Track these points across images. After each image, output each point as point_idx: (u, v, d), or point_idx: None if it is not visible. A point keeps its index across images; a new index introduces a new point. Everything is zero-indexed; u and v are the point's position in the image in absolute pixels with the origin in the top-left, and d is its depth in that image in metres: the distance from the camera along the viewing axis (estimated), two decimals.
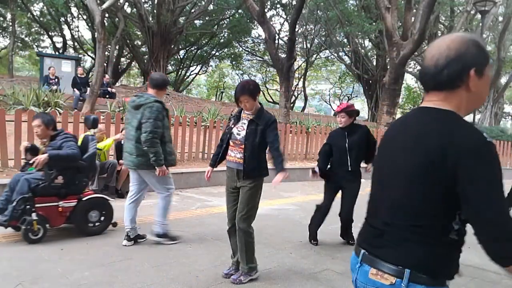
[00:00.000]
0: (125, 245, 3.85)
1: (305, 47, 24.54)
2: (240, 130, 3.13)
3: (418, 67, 25.45)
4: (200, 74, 33.55)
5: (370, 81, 23.57)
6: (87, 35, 26.92)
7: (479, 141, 1.11)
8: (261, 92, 3.21)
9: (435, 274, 1.19)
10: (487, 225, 1.11)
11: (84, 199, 4.10)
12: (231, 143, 3.19)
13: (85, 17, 22.49)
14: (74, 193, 4.04)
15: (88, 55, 27.40)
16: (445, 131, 1.15)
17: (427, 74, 1.24)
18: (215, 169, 3.38)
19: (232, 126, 3.20)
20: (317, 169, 4.33)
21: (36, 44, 26.68)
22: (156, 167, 3.66)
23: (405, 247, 1.20)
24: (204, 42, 25.54)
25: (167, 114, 3.83)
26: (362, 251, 1.30)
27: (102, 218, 4.24)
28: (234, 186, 3.20)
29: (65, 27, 24.27)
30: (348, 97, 33.13)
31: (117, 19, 18.95)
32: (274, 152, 3.13)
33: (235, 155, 3.16)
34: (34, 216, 3.70)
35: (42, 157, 3.72)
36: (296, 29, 15.50)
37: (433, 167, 1.14)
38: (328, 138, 4.51)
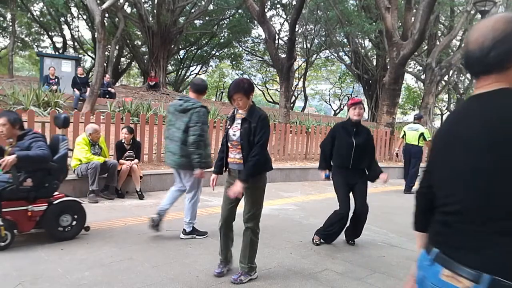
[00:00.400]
0: (181, 238, 4.20)
1: (305, 47, 24.55)
2: (235, 131, 3.12)
3: (418, 67, 25.46)
4: (200, 74, 33.56)
5: (370, 81, 23.56)
6: (87, 35, 26.99)
7: None
8: (255, 92, 3.20)
9: None
10: None
11: (54, 202, 3.87)
12: (229, 144, 3.18)
13: (85, 17, 22.50)
14: (44, 196, 3.81)
15: (88, 55, 27.42)
16: None
17: (472, 58, 1.19)
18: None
19: (228, 127, 3.19)
20: (328, 173, 4.27)
21: (36, 44, 26.69)
22: (197, 168, 3.90)
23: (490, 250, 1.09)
24: (204, 42, 25.56)
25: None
26: (435, 249, 1.21)
27: (74, 223, 3.99)
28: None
29: (65, 27, 24.29)
30: (348, 97, 33.11)
31: (117, 19, 18.96)
32: (253, 151, 3.02)
33: (234, 156, 3.16)
34: (0, 221, 3.47)
35: (9, 158, 3.43)
36: (296, 29, 15.50)
37: None
38: (333, 131, 4.32)
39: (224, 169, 3.32)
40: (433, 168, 1.32)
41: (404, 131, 8.67)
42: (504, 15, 1.17)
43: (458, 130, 1.21)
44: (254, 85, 3.19)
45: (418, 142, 8.37)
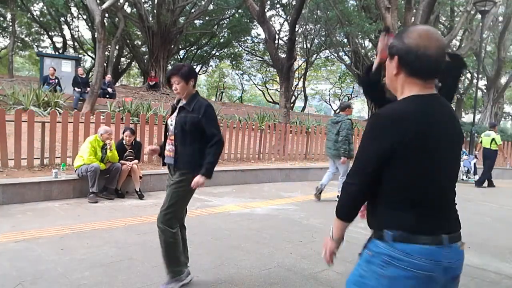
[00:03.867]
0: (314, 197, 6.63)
1: (305, 47, 24.54)
2: (172, 120, 2.87)
3: None
4: (200, 74, 33.55)
5: None
6: (87, 35, 26.96)
7: None
8: (197, 79, 2.92)
9: None
10: None
11: None
12: (168, 136, 2.93)
13: (85, 17, 22.49)
14: None
15: (88, 55, 27.42)
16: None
17: (436, 64, 1.35)
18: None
19: (168, 116, 2.96)
20: None
21: (36, 44, 26.68)
22: (343, 157, 6.33)
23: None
24: (204, 42, 25.56)
25: (352, 126, 6.68)
26: (445, 236, 1.32)
27: None
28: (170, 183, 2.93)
29: (65, 27, 24.28)
30: (348, 97, 33.11)
31: (117, 19, 18.96)
32: (208, 149, 2.80)
33: (168, 148, 2.90)
34: None
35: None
36: (296, 29, 15.49)
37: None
38: None
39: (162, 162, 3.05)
40: (399, 163, 1.33)
41: (481, 137, 10.89)
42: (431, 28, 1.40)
43: (440, 128, 1.34)
44: (196, 74, 2.91)
45: (491, 146, 10.47)
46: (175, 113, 2.86)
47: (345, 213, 1.45)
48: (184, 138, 2.77)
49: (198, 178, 2.76)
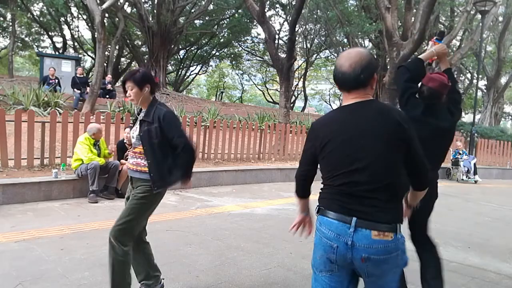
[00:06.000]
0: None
1: (305, 47, 24.55)
2: (133, 132, 2.66)
3: None
4: (200, 74, 33.56)
5: None
6: (87, 35, 26.95)
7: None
8: (155, 85, 2.66)
9: None
10: None
11: None
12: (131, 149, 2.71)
13: (85, 17, 22.49)
14: None
15: (88, 55, 27.41)
16: (393, 111, 1.67)
17: (347, 78, 1.67)
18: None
19: (131, 126, 2.76)
20: None
21: (36, 44, 26.65)
22: None
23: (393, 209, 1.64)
24: (204, 42, 25.56)
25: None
26: (353, 218, 1.60)
27: None
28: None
29: (65, 27, 24.27)
30: None
31: (117, 19, 18.95)
32: (179, 155, 2.57)
33: (133, 162, 2.64)
34: None
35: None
36: (296, 29, 15.50)
37: (394, 135, 1.63)
38: None
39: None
40: (330, 155, 1.71)
41: None
42: (364, 51, 1.72)
43: (364, 128, 1.64)
44: (152, 79, 2.65)
45: None
46: (137, 126, 2.63)
47: (296, 191, 2.06)
48: (155, 154, 2.54)
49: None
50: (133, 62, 27.22)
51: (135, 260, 2.71)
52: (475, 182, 11.37)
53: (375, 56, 24.31)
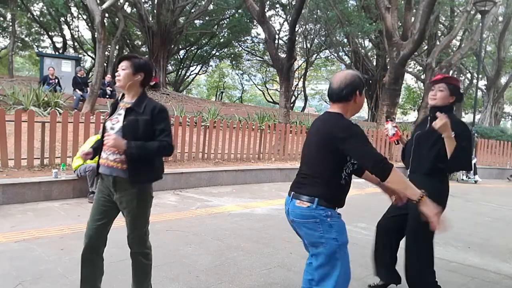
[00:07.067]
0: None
1: (305, 47, 24.57)
2: (114, 123, 2.36)
3: (419, 67, 25.45)
4: (200, 74, 33.58)
5: (370, 81, 23.57)
6: (87, 35, 26.97)
7: (347, 127, 2.04)
8: (149, 80, 2.45)
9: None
10: None
11: None
12: (104, 141, 2.33)
13: (85, 17, 22.51)
14: None
15: (88, 55, 27.43)
16: (332, 123, 2.06)
17: (334, 92, 2.09)
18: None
19: (107, 118, 2.48)
20: None
21: (36, 44, 26.68)
22: None
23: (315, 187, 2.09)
24: (204, 42, 25.57)
25: None
26: (292, 192, 2.15)
27: None
28: (108, 197, 2.44)
29: (65, 27, 24.29)
30: None
31: (117, 19, 18.97)
32: (158, 152, 2.36)
33: (107, 156, 2.35)
34: None
35: None
36: (296, 29, 15.50)
37: (326, 142, 2.05)
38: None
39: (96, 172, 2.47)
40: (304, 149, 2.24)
41: None
42: (352, 72, 2.13)
43: (311, 132, 2.20)
44: (149, 72, 2.42)
45: None
46: (120, 116, 2.35)
47: None
48: None
49: (119, 140, 2.24)
50: None
51: (85, 268, 2.48)
52: (475, 182, 11.37)
53: (375, 56, 24.41)
